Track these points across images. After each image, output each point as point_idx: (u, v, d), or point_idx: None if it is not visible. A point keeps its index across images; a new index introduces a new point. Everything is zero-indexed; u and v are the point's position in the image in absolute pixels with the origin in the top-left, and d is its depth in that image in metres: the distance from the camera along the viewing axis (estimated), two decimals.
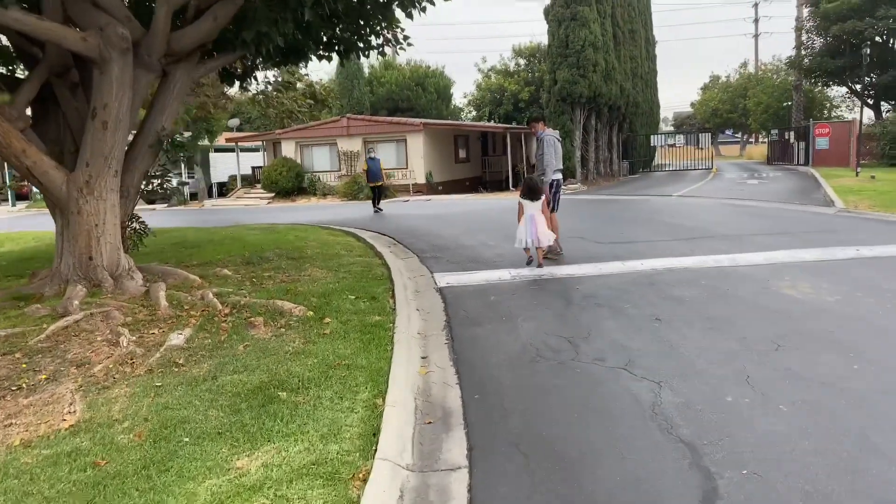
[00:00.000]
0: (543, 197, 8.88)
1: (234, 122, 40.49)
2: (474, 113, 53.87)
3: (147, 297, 7.20)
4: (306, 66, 12.63)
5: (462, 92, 62.38)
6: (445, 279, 8.23)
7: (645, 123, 37.79)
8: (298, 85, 17.28)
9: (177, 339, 5.92)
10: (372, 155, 20.57)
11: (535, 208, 8.73)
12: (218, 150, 38.98)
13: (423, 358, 5.47)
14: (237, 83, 10.37)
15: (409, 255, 10.09)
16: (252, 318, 6.36)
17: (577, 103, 26.42)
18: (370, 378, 4.85)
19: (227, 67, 9.85)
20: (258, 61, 9.68)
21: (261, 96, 15.97)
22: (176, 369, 5.23)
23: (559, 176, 9.80)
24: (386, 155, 31.34)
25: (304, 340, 5.77)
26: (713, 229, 11.53)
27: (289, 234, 12.97)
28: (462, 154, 34.32)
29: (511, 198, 22.43)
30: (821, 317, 5.99)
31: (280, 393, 4.61)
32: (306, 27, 8.56)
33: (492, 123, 45.85)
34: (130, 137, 8.00)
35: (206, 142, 35.41)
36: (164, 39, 7.57)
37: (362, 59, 40.66)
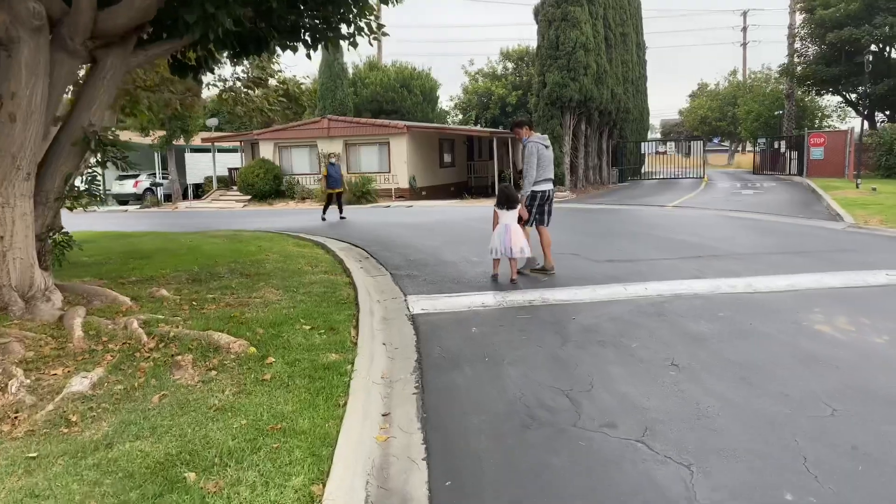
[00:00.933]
0: (520, 206, 8.32)
1: (213, 121, 39.15)
2: (461, 116, 52.83)
3: (61, 325, 6.01)
4: (269, 59, 11.52)
5: (448, 95, 61.13)
6: (420, 304, 7.09)
7: (635, 130, 36.91)
8: (271, 82, 16.08)
9: (81, 383, 4.74)
10: (332, 160, 19.71)
11: (510, 217, 8.21)
12: (194, 150, 37.66)
13: (383, 415, 4.32)
14: (191, 76, 9.15)
15: (382, 273, 8.93)
16: (179, 356, 5.18)
17: (566, 107, 25.40)
18: (311, 450, 3.70)
19: (178, 58, 8.66)
20: (212, 51, 8.50)
21: (230, 93, 14.75)
22: (65, 430, 4.05)
23: (546, 187, 8.71)
24: (368, 158, 30.24)
25: (237, 389, 4.61)
26: (718, 246, 10.48)
27: (252, 243, 11.77)
28: (447, 158, 33.23)
29: None
30: (874, 365, 4.91)
31: (187, 474, 3.45)
32: (266, 11, 7.41)
33: (478, 128, 44.82)
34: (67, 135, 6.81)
35: (181, 141, 34.15)
36: (89, 18, 6.38)
37: (345, 57, 39.26)
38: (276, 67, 16.22)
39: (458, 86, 74.71)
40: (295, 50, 8.92)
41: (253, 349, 5.41)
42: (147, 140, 33.28)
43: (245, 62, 15.49)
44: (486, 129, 40.28)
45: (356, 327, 6.21)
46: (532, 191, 8.58)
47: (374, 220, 17.91)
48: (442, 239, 12.35)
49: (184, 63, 8.83)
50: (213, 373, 4.95)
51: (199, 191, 36.75)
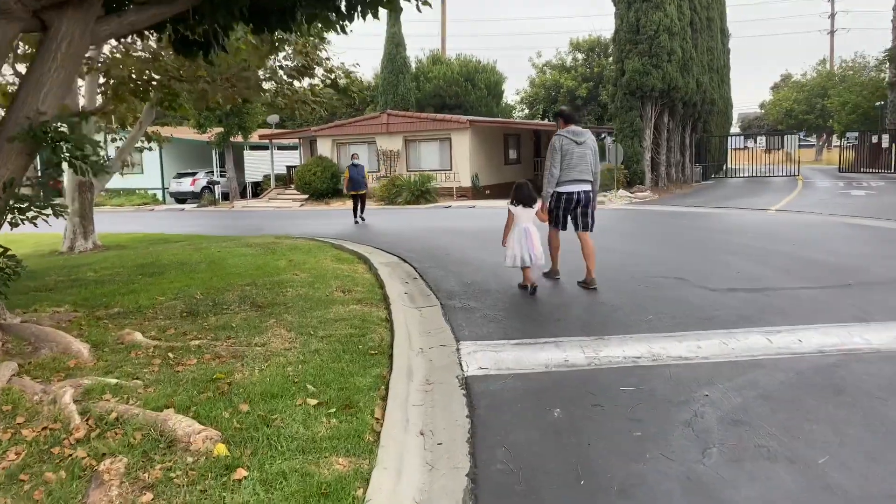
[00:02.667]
0: (539, 203, 7.42)
1: (274, 118, 38.07)
2: (527, 111, 50.53)
3: None
4: (294, 32, 9.80)
5: (514, 89, 58.98)
6: (479, 357, 5.11)
7: (719, 124, 33.87)
8: (319, 71, 14.42)
9: None
10: (356, 161, 18.56)
11: (528, 218, 7.26)
12: (253, 147, 36.73)
13: None
14: (200, 55, 7.43)
15: (430, 302, 6.99)
16: (109, 460, 3.38)
17: (647, 97, 22.90)
18: None
19: (183, 33, 6.95)
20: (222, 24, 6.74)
21: (271, 83, 13.14)
22: None
23: (572, 189, 7.56)
24: (428, 155, 28.44)
25: None
26: (867, 268, 8.12)
27: (285, 256, 10.03)
28: (512, 155, 31.09)
29: None
30: None
31: None
32: None
33: (545, 122, 42.50)
34: None
35: (239, 138, 33.15)
36: None
37: (408, 51, 37.66)
38: (322, 55, 14.53)
39: (524, 79, 72.21)
40: (328, 25, 7.11)
41: (222, 447, 3.55)
42: (204, 137, 32.45)
43: (287, 49, 13.85)
44: (554, 122, 37.88)
45: (385, 398, 4.29)
46: (556, 192, 7.57)
47: (431, 224, 16.01)
48: None
49: (188, 39, 7.10)
50: (147, 497, 3.11)
51: (258, 189, 35.78)
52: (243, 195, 34.50)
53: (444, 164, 27.53)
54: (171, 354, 4.95)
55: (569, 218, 7.71)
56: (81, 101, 15.23)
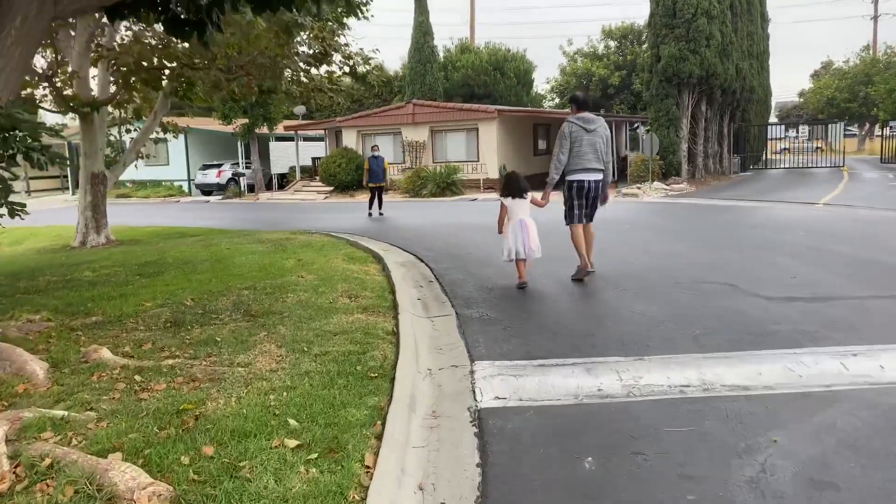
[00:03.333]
0: (530, 195, 7.18)
1: (301, 109, 37.49)
2: (557, 100, 49.36)
3: None
4: (298, 10, 8.93)
5: (545, 77, 57.45)
6: (496, 384, 4.34)
7: (758, 112, 32.44)
8: (337, 58, 13.71)
9: None
10: (375, 153, 18.01)
11: (522, 210, 7.03)
12: (279, 138, 36.26)
13: None
14: (194, 36, 6.75)
15: (445, 311, 6.23)
16: None
17: (684, 85, 21.77)
18: None
19: (174, 11, 6.27)
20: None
21: (286, 70, 12.47)
22: None
23: (582, 177, 7.27)
24: (454, 146, 27.64)
25: None
26: None
27: (295, 255, 9.35)
28: (542, 146, 30.12)
29: (610, 200, 18.09)
30: None
31: None
32: None
33: None
34: None
35: (264, 130, 32.68)
36: None
37: (436, 40, 36.81)
38: (341, 41, 13.81)
39: (554, 67, 70.58)
40: (337, 4, 6.41)
41: None
42: (229, 128, 32.04)
43: (304, 34, 13.15)
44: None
45: (380, 437, 3.56)
46: (567, 181, 7.32)
47: (454, 218, 15.23)
48: None
49: (180, 17, 6.42)
50: None
51: (284, 181, 35.34)
52: (269, 187, 34.06)
53: (470, 156, 26.71)
54: (138, 377, 4.27)
55: (584, 209, 7.36)
56: (94, 91, 14.74)
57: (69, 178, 39.17)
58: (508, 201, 7.04)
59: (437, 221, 14.66)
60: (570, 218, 7.41)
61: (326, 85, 12.41)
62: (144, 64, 12.62)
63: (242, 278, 7.50)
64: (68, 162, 22.61)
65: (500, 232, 7.20)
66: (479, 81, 40.88)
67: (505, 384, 4.31)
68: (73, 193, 37.91)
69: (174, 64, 13.10)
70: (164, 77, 13.83)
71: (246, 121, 31.10)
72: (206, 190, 33.83)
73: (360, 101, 44.76)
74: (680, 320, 5.60)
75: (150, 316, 5.78)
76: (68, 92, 13.59)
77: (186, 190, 35.22)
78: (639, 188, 20.28)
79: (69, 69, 13.56)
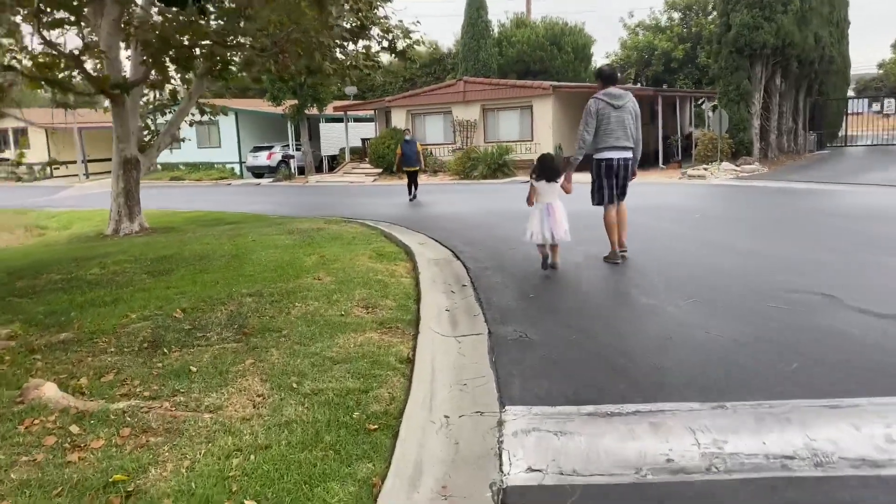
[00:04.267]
0: (563, 179, 6.85)
1: (352, 89, 36.85)
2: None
3: None
4: None
5: (604, 52, 54.83)
6: (529, 445, 3.28)
7: (836, 85, 29.94)
8: (375, 32, 12.69)
9: None
10: (407, 137, 17.41)
11: (552, 193, 6.78)
12: (329, 119, 35.65)
13: None
14: (191, 3, 5.87)
15: (476, 327, 5.18)
16: None
17: (757, 56, 19.92)
18: None
19: None
20: None
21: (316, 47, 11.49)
22: None
23: (611, 155, 6.98)
24: (507, 124, 26.39)
25: None
26: None
27: (320, 249, 8.45)
28: None
29: (668, 181, 16.65)
30: None
31: None
32: None
33: (637, 86, 39.39)
34: None
35: (314, 110, 32.02)
36: None
37: (490, 13, 35.39)
38: (380, 13, 12.77)
39: (614, 41, 67.66)
40: None
41: None
42: (279, 110, 31.49)
43: (338, 6, 12.15)
44: (648, 87, 34.99)
45: None
46: (594, 159, 7.05)
47: (502, 205, 14.09)
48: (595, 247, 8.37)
49: None
50: None
51: (334, 162, 34.75)
52: (319, 169, 33.50)
53: (524, 135, 25.44)
54: (75, 427, 3.39)
55: (613, 189, 7.03)
56: (126, 73, 14.14)
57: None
58: (539, 184, 6.74)
59: (484, 208, 13.57)
60: (598, 199, 7.13)
61: (362, 61, 11.41)
62: (172, 42, 11.90)
63: (252, 280, 6.62)
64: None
65: (529, 202, 6.98)
66: (534, 57, 39.31)
67: (542, 446, 3.26)
68: None
69: (206, 42, 12.35)
70: (195, 56, 13.11)
71: (295, 102, 30.54)
72: (258, 172, 33.49)
73: (412, 80, 43.76)
74: (768, 346, 4.42)
75: (129, 333, 4.93)
76: (96, 73, 13.02)
77: (238, 172, 34.98)
78: (706, 169, 18.70)
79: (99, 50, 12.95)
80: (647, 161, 27.83)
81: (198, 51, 13.18)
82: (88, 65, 14.11)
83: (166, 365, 4.25)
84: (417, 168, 16.94)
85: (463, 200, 15.51)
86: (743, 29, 19.40)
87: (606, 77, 7.06)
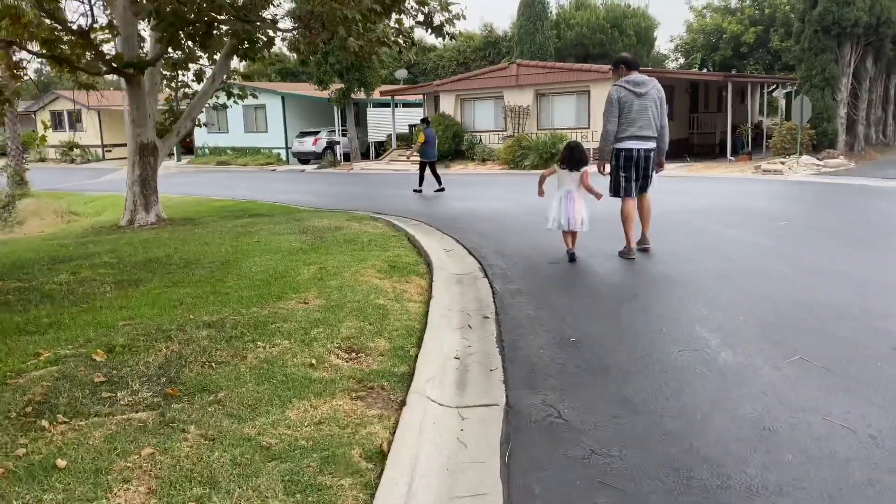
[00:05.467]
0: (586, 169, 6.77)
1: (402, 73, 35.59)
2: (682, 60, 44.60)
3: None
4: None
5: (668, 35, 51.54)
6: None
7: None
8: (410, 4, 11.23)
9: None
10: (425, 126, 16.86)
11: (572, 181, 6.77)
12: (377, 104, 34.46)
13: None
14: None
15: (490, 395, 3.72)
16: None
17: (846, 35, 17.67)
18: None
19: None
20: None
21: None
22: None
23: (632, 145, 6.68)
24: (563, 111, 24.63)
25: None
26: None
27: (323, 258, 7.12)
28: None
29: (740, 175, 14.56)
30: None
31: None
32: None
33: (705, 71, 36.95)
34: None
35: (361, 95, 30.84)
36: None
37: None
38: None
39: (679, 24, 63.85)
40: None
41: None
42: (325, 94, 30.39)
43: None
44: (718, 72, 32.61)
45: None
46: (615, 148, 6.81)
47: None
48: (675, 268, 6.79)
49: None
50: None
51: (381, 149, 33.59)
52: (366, 156, 32.35)
53: (580, 122, 23.65)
54: None
55: (634, 181, 6.78)
56: (147, 51, 13.10)
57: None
58: (562, 172, 6.84)
59: (529, 206, 11.95)
60: (616, 190, 6.92)
61: (391, 37, 9.98)
62: (185, 16, 10.74)
63: (224, 301, 5.32)
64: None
65: (540, 194, 7.12)
66: (594, 40, 37.26)
67: None
68: (178, 160, 37.91)
69: (223, 17, 11.16)
70: (214, 33, 11.94)
71: (341, 86, 29.43)
72: (304, 158, 32.57)
73: (465, 63, 42.22)
74: None
75: (19, 387, 3.66)
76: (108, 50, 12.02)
77: (284, 158, 34.14)
78: (783, 163, 16.66)
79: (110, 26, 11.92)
80: (715, 153, 25.75)
81: (219, 27, 12.03)
82: (108, 45, 13.15)
83: (31, 451, 2.95)
84: (434, 159, 16.18)
85: (508, 195, 14.01)
86: (831, 4, 17.18)
87: (629, 63, 6.88)
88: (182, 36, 11.66)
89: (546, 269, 6.57)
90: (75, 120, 40.79)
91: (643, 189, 6.88)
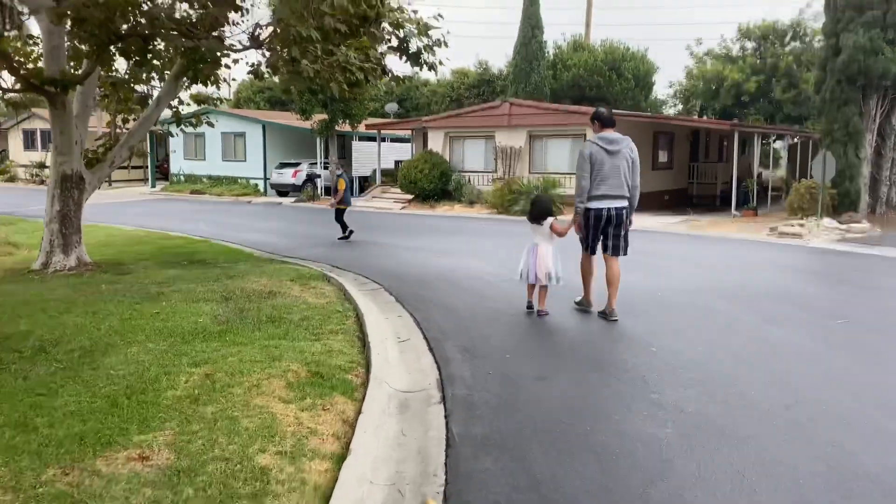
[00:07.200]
0: (551, 220, 6.85)
1: (392, 107, 34.03)
2: (681, 106, 43.36)
3: None
4: None
5: (667, 80, 50.15)
6: None
7: None
8: (385, 27, 9.47)
9: None
10: (339, 172, 16.11)
11: (540, 235, 6.89)
12: (363, 138, 32.81)
13: None
14: None
15: None
16: None
17: (873, 87, 16.11)
18: None
19: None
20: None
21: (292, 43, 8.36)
22: None
23: (602, 205, 6.63)
24: (556, 155, 23.00)
25: None
26: None
27: (216, 357, 5.16)
28: (662, 157, 24.87)
29: (754, 238, 12.55)
30: None
31: None
32: None
33: (705, 118, 35.63)
34: None
35: (346, 127, 29.14)
36: None
37: (545, 34, 32.21)
38: (393, 3, 9.58)
39: (679, 70, 62.71)
40: None
41: None
42: (308, 125, 28.70)
43: None
44: (724, 120, 31.23)
45: None
46: (585, 207, 6.70)
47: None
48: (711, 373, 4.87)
49: None
50: None
51: (365, 184, 31.85)
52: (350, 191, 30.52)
53: (574, 167, 21.94)
54: None
55: (599, 240, 6.80)
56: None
57: (149, 169, 37.42)
58: (532, 225, 6.92)
59: (516, 268, 10.16)
60: (584, 245, 6.94)
61: (354, 62, 8.16)
62: (112, 26, 8.95)
63: (28, 442, 3.35)
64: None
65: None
66: (591, 82, 35.94)
67: None
68: (152, 186, 35.99)
69: (163, 31, 9.37)
70: (154, 49, 10.18)
71: (325, 116, 27.81)
72: (282, 191, 30.75)
73: (458, 99, 40.85)
74: None
75: None
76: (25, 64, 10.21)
77: (262, 189, 32.27)
78: (801, 225, 14.90)
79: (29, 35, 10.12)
80: (715, 204, 24.09)
81: (157, 44, 10.27)
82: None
83: None
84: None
85: (493, 251, 12.13)
86: (857, 53, 15.60)
87: (604, 120, 6.81)
88: (114, 52, 9.89)
89: (532, 389, 4.61)
90: (49, 140, 38.91)
91: (615, 251, 6.76)
